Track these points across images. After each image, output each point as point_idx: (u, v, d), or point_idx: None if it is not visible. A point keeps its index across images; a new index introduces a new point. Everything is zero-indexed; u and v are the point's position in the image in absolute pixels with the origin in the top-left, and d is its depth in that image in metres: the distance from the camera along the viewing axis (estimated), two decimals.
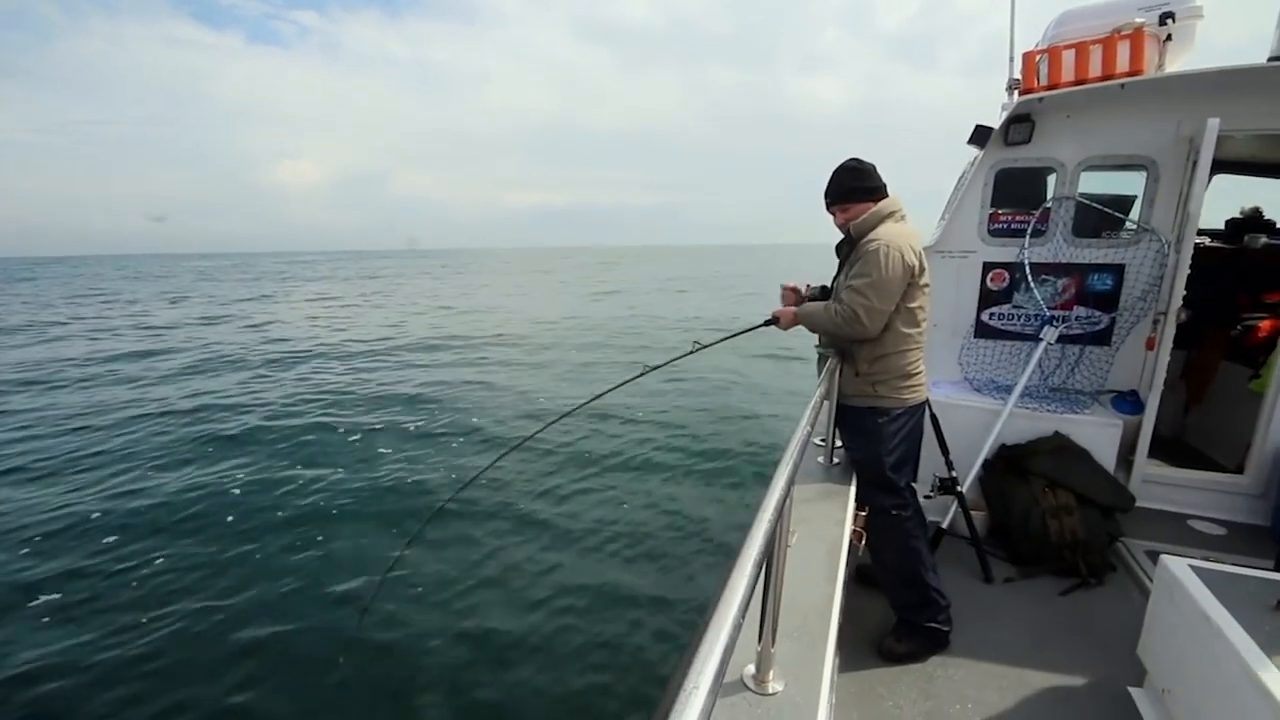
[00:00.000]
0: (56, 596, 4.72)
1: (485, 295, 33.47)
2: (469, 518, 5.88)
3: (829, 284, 2.62)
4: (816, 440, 2.71)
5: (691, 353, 2.96)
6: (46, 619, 4.49)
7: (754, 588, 0.94)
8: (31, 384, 12.02)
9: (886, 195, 2.38)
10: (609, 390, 3.25)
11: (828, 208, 2.46)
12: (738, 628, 0.85)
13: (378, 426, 8.83)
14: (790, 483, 1.30)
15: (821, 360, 2.55)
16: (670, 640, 4.17)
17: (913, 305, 2.32)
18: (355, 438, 8.34)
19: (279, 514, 6.04)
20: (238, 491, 6.57)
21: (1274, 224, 4.87)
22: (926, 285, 2.36)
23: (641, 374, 3.09)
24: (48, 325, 21.66)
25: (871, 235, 2.29)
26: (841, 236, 2.49)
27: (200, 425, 8.91)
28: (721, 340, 2.99)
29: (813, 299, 2.59)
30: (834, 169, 2.42)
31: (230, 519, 5.95)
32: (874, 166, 2.39)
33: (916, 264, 2.27)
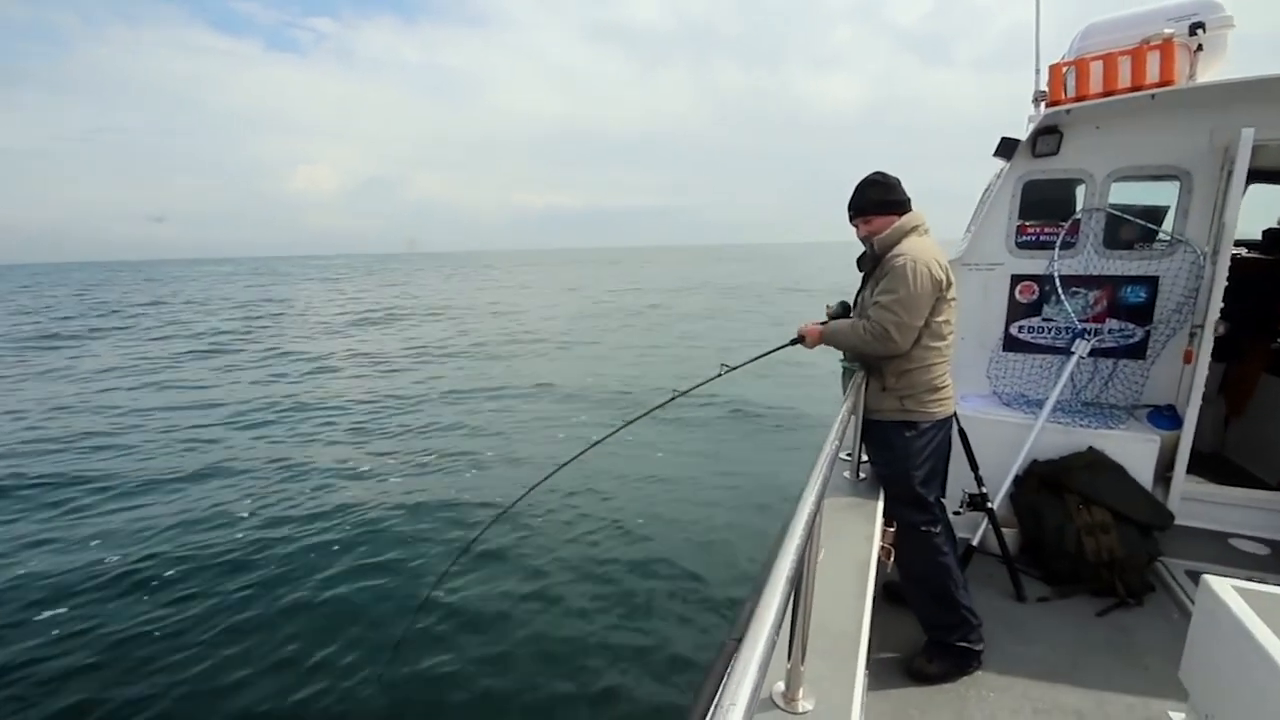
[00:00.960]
0: None
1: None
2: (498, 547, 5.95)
3: (849, 300, 2.61)
4: (843, 455, 2.69)
5: (719, 376, 2.95)
6: None
7: (786, 606, 0.95)
8: None
9: (910, 209, 2.38)
10: (642, 415, 3.25)
11: (851, 220, 2.46)
12: (772, 645, 0.85)
13: None
14: (820, 499, 1.30)
15: (847, 375, 2.54)
16: (695, 661, 4.15)
17: (939, 319, 2.31)
18: None
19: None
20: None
21: None
22: (954, 299, 2.35)
23: (671, 399, 3.10)
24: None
25: (897, 250, 2.28)
26: (863, 249, 2.48)
27: None
28: (749, 362, 2.98)
29: (835, 316, 2.59)
30: (859, 182, 2.43)
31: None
32: (898, 180, 2.39)
33: (944, 278, 2.26)
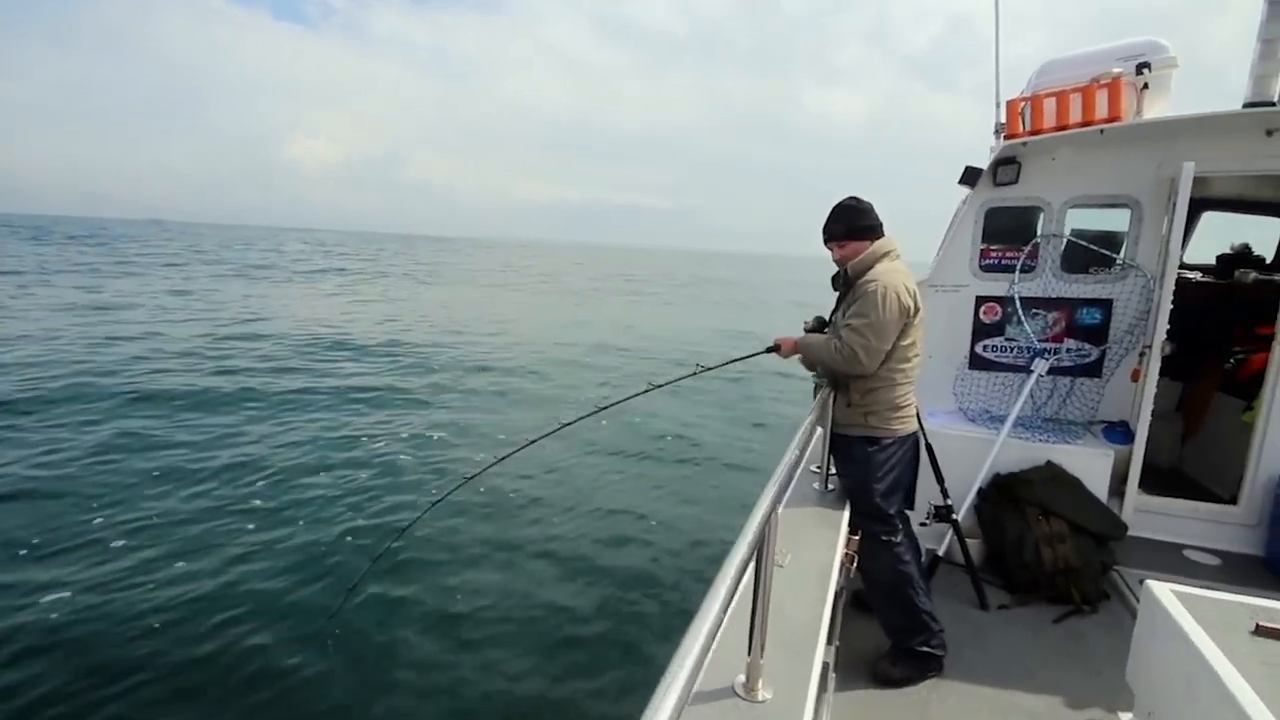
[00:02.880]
0: None
1: None
2: (446, 530, 6.06)
3: (826, 316, 2.75)
4: (812, 468, 2.81)
5: (694, 375, 3.08)
6: None
7: (734, 593, 1.04)
8: None
9: (883, 234, 2.51)
10: (614, 404, 3.34)
11: (825, 243, 2.59)
12: (717, 628, 0.93)
13: None
14: (777, 498, 1.41)
15: (818, 390, 2.67)
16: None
17: (904, 343, 2.44)
18: None
19: None
20: None
21: (1263, 259, 5.00)
22: (920, 323, 2.47)
23: (645, 391, 3.21)
24: None
25: (869, 275, 2.41)
26: (836, 270, 2.63)
27: None
28: (723, 365, 3.11)
29: (811, 331, 2.72)
30: (834, 206, 2.56)
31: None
32: (871, 206, 2.53)
33: (912, 305, 2.39)
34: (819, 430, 2.51)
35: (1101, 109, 3.36)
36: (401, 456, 7.86)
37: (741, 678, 1.50)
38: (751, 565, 1.08)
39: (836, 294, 2.67)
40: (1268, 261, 4.97)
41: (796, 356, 2.66)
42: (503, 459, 3.75)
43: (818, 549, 2.23)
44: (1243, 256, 4.95)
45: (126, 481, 6.59)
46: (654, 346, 17.13)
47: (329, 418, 9.30)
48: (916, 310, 2.42)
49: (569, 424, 3.50)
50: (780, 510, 2.44)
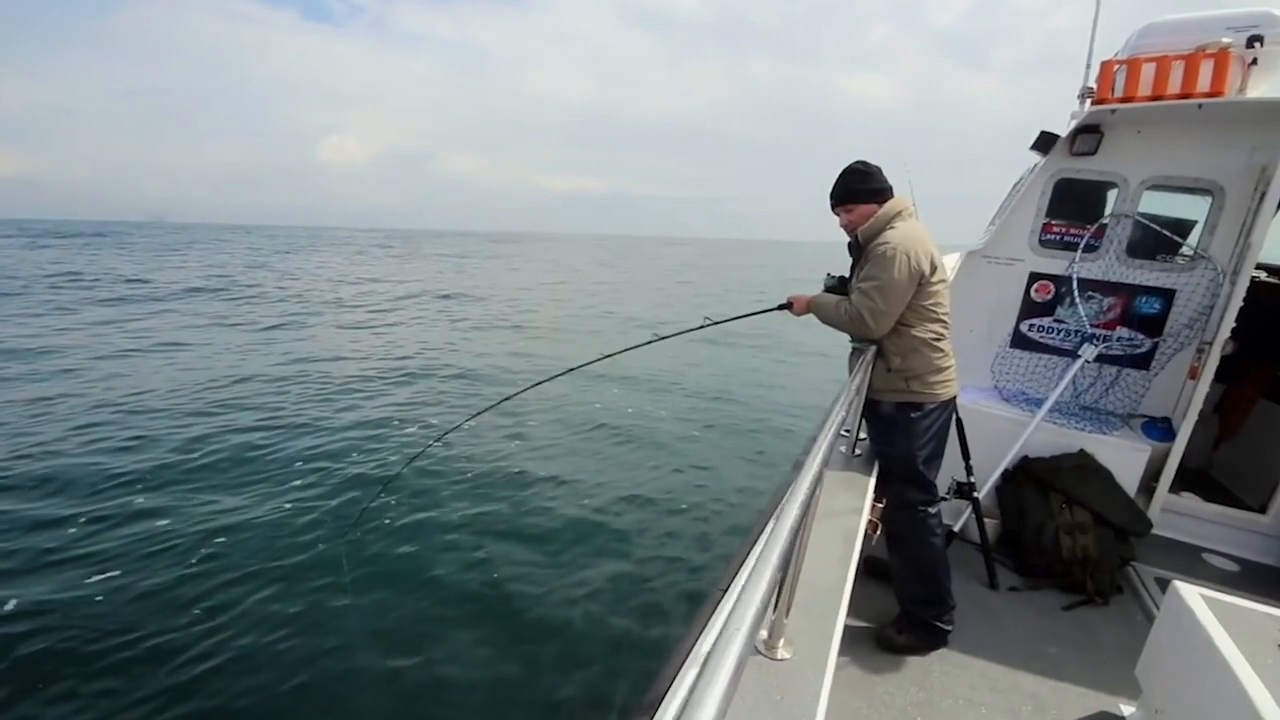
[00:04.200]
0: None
1: None
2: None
3: (848, 274, 2.62)
4: (841, 431, 2.75)
5: (702, 326, 3.02)
6: None
7: (786, 562, 0.99)
8: None
9: (892, 196, 2.38)
10: (617, 353, 3.31)
11: (832, 208, 2.48)
12: (769, 597, 0.90)
13: None
14: (823, 468, 1.35)
15: (854, 355, 2.57)
16: (671, 607, 4.31)
17: (928, 302, 2.33)
18: None
19: None
20: None
21: None
22: (942, 282, 2.37)
23: (650, 341, 3.18)
24: None
25: (881, 238, 2.30)
26: (849, 238, 2.50)
27: None
28: (734, 319, 3.04)
29: (830, 289, 2.61)
30: (841, 172, 2.43)
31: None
32: (879, 169, 2.40)
33: (926, 266, 2.27)
34: (851, 392, 2.44)
35: (1204, 81, 3.08)
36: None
37: (764, 634, 1.47)
38: (786, 531, 1.04)
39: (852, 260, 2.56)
40: None
41: (810, 315, 2.57)
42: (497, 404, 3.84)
43: (844, 515, 2.18)
44: None
45: None
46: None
47: None
48: (934, 268, 2.31)
49: (573, 369, 3.56)
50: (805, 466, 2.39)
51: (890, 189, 2.39)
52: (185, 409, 7.96)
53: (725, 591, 1.72)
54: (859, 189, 2.39)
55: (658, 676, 1.44)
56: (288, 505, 5.53)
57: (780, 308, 2.70)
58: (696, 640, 1.49)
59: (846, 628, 2.52)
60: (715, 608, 1.64)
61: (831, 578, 1.78)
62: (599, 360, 3.37)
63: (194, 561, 4.68)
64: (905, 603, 2.60)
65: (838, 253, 2.72)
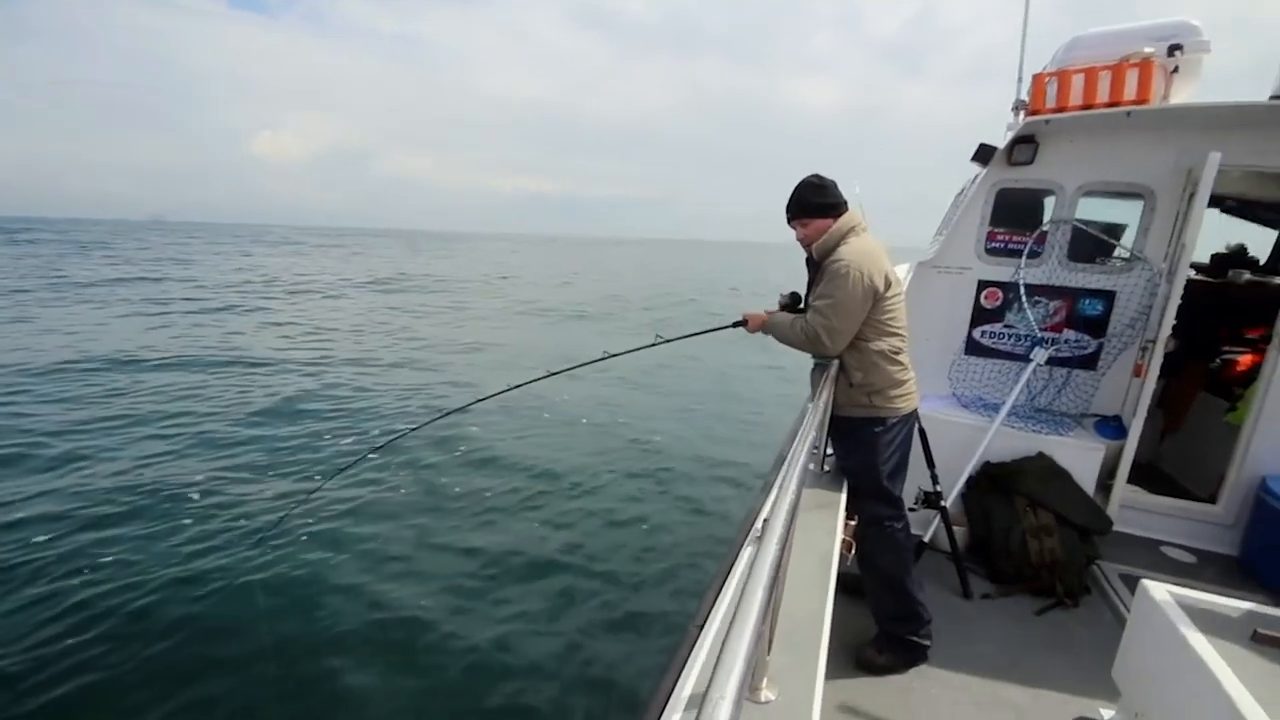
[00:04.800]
0: None
1: None
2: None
3: (801, 292, 2.61)
4: (810, 448, 2.70)
5: (653, 345, 2.97)
6: None
7: (770, 599, 0.91)
8: None
9: (846, 210, 2.38)
10: (570, 368, 3.27)
11: (788, 222, 2.47)
12: (756, 639, 0.81)
13: None
14: (798, 494, 1.28)
15: (817, 370, 2.53)
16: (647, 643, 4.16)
17: (884, 317, 2.32)
18: None
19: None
20: None
21: (1257, 261, 4.98)
22: (897, 296, 2.36)
23: (602, 358, 3.13)
24: None
25: (835, 255, 2.29)
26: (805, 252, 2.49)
27: None
28: (687, 336, 3.01)
29: (784, 307, 2.60)
30: (796, 185, 2.42)
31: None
32: (834, 183, 2.39)
33: (881, 282, 2.27)
34: (818, 409, 2.41)
35: (1130, 90, 3.21)
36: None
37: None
38: (769, 562, 0.97)
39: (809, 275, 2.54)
40: (1261, 264, 4.97)
41: (762, 333, 2.55)
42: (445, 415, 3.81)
43: (817, 534, 2.12)
44: (1238, 256, 4.94)
45: None
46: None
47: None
48: (889, 284, 2.30)
49: (517, 386, 3.48)
50: (774, 494, 2.32)
51: (844, 203, 2.38)
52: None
53: (701, 629, 1.63)
54: (813, 203, 2.37)
55: None
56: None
57: (735, 325, 2.66)
58: (676, 683, 1.39)
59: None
60: (693, 646, 1.54)
61: (811, 605, 1.71)
62: (545, 377, 3.31)
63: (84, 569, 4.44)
64: (882, 621, 2.55)
65: (787, 254, 2.69)
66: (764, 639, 1.36)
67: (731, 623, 0.82)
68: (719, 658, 0.76)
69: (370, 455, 5.15)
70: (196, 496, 5.72)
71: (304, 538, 5.10)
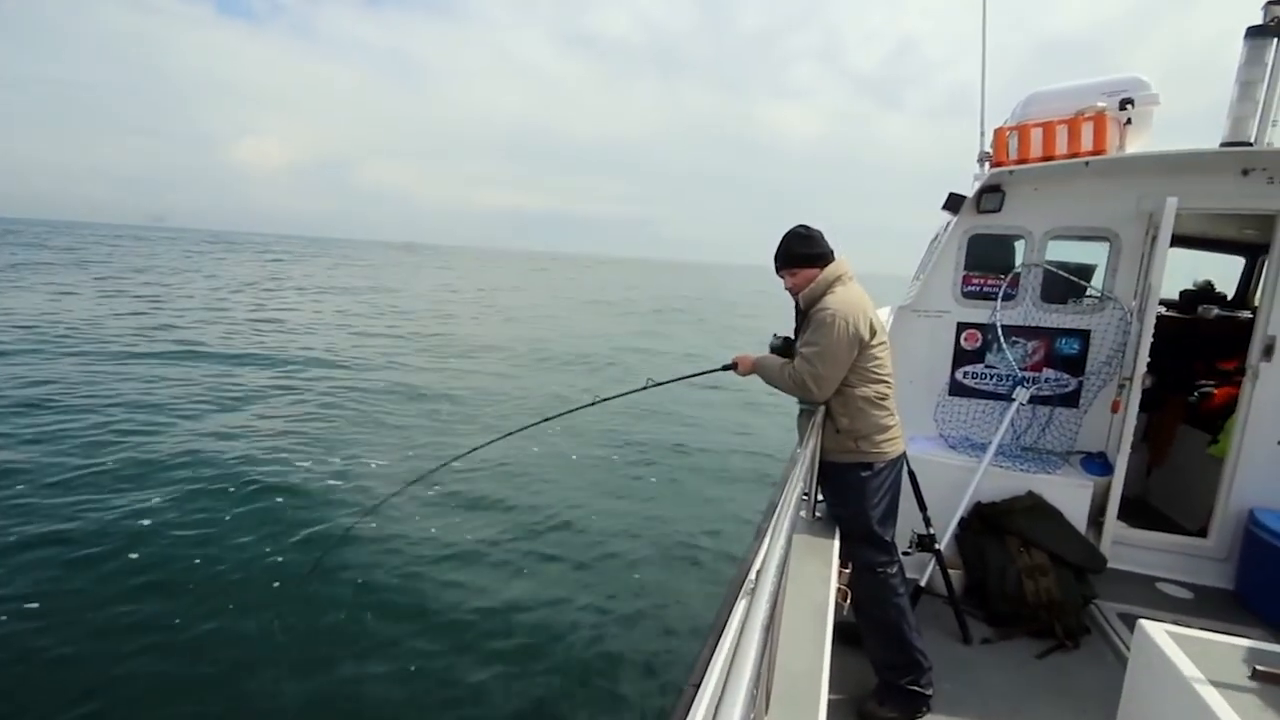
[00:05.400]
0: None
1: None
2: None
3: (793, 335, 2.67)
4: (801, 495, 2.71)
5: (645, 388, 3.04)
6: None
7: (764, 654, 0.91)
8: None
9: (832, 260, 2.46)
10: (563, 413, 3.37)
11: (777, 271, 2.55)
12: (752, 698, 0.82)
13: None
14: (789, 541, 1.29)
15: (804, 416, 2.57)
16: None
17: (871, 364, 2.38)
18: None
19: None
20: None
21: (1225, 296, 5.15)
22: (882, 344, 2.42)
23: (592, 403, 3.20)
24: None
25: (821, 304, 2.36)
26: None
27: None
28: (677, 380, 3.07)
29: (775, 349, 2.65)
30: (784, 235, 2.51)
31: None
32: (820, 233, 2.48)
33: (866, 332, 2.33)
34: (805, 456, 2.43)
35: (1087, 141, 3.39)
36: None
37: None
38: (761, 618, 0.97)
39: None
40: (1229, 299, 5.13)
41: (754, 375, 2.60)
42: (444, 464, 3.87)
43: (811, 584, 2.11)
44: (1205, 293, 5.10)
45: None
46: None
47: None
48: (874, 332, 2.37)
49: (511, 433, 3.59)
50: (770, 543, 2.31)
51: (831, 253, 2.46)
52: None
53: (698, 689, 1.60)
54: (799, 253, 2.45)
55: None
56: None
57: (725, 368, 2.71)
58: None
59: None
60: (690, 708, 1.52)
61: (808, 659, 1.69)
62: (540, 423, 3.47)
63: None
64: (881, 671, 2.51)
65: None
66: (760, 701, 1.35)
67: (724, 686, 0.82)
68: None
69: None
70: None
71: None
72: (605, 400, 3.20)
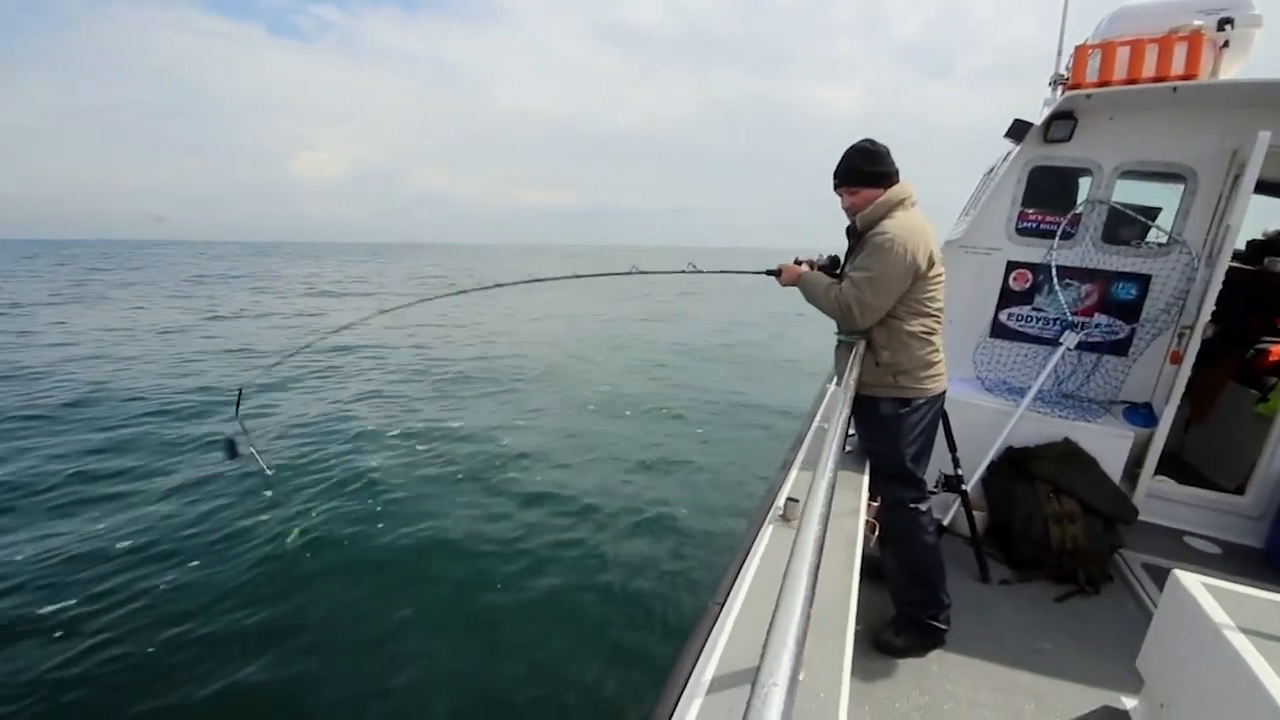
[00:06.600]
0: None
1: None
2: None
3: (841, 256, 2.52)
4: (826, 425, 2.65)
5: (685, 272, 3.02)
6: None
7: (814, 583, 0.88)
8: None
9: (897, 181, 2.25)
10: (597, 274, 3.26)
11: (835, 188, 2.34)
12: (805, 626, 0.78)
13: None
14: (835, 474, 1.24)
15: (842, 348, 2.47)
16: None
17: (922, 296, 2.23)
18: None
19: None
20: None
21: None
22: (938, 276, 2.26)
23: (629, 272, 3.12)
24: None
25: (880, 227, 2.18)
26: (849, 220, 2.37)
27: None
28: (719, 272, 3.08)
29: (823, 268, 2.51)
30: (846, 149, 2.28)
31: None
32: (887, 150, 2.25)
33: (924, 262, 2.16)
34: (847, 388, 2.35)
35: (1178, 64, 3.08)
36: None
37: None
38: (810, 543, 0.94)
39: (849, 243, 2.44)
40: None
41: (795, 288, 2.47)
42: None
43: (841, 516, 2.07)
44: (1275, 244, 4.77)
45: None
46: None
47: None
48: (932, 263, 2.20)
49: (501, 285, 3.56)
50: (797, 474, 2.26)
51: (897, 173, 2.25)
52: None
53: (722, 607, 1.59)
54: (864, 170, 2.24)
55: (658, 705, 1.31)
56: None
57: (769, 273, 2.60)
58: (696, 663, 1.36)
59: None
60: (714, 624, 1.51)
61: (838, 588, 1.67)
62: (571, 277, 3.32)
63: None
64: (901, 604, 2.52)
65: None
66: (810, 622, 1.34)
67: (777, 606, 0.79)
68: (766, 641, 0.73)
69: None
70: None
71: None
72: (644, 273, 3.13)
